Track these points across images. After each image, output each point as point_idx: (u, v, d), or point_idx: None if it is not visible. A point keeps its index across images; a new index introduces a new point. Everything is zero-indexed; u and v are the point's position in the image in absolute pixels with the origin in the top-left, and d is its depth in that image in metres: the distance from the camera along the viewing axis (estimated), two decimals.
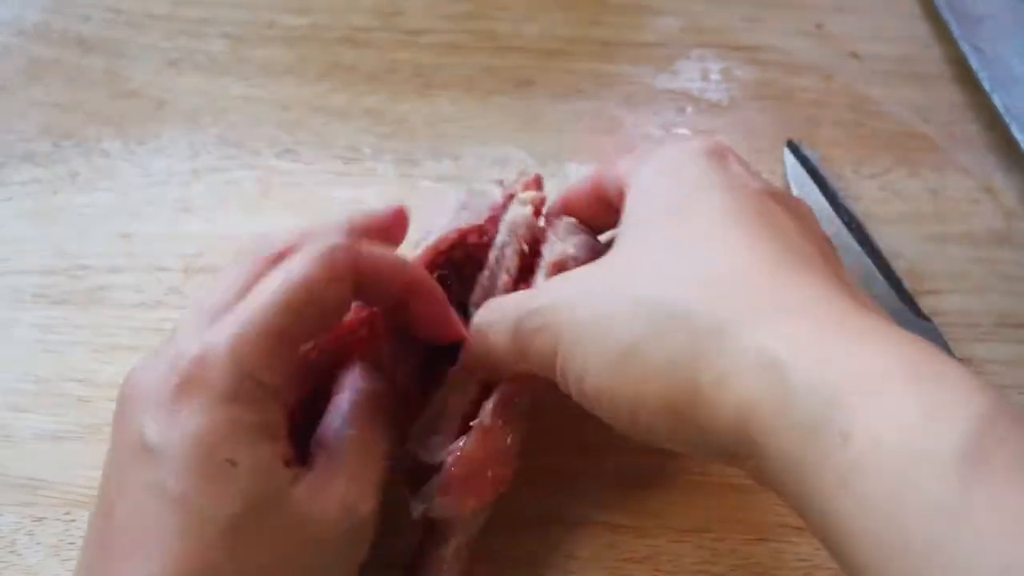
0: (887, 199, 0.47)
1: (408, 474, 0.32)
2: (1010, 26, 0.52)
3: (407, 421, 0.33)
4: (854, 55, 0.54)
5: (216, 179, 0.47)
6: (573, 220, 0.35)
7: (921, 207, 0.47)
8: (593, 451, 0.38)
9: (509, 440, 0.31)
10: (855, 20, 0.56)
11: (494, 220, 0.35)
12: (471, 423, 0.31)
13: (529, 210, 0.35)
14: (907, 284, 0.43)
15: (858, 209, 0.46)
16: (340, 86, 0.52)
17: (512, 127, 0.50)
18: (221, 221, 0.46)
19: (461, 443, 0.31)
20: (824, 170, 0.47)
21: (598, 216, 0.35)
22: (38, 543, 0.36)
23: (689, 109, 0.51)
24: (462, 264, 0.34)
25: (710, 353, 0.24)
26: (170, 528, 0.25)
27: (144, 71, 0.52)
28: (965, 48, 0.51)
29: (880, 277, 0.42)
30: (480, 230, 0.34)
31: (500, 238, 0.34)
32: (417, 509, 0.31)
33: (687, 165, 0.29)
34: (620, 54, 0.54)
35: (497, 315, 0.31)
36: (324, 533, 0.28)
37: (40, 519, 0.36)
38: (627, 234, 0.29)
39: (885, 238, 0.45)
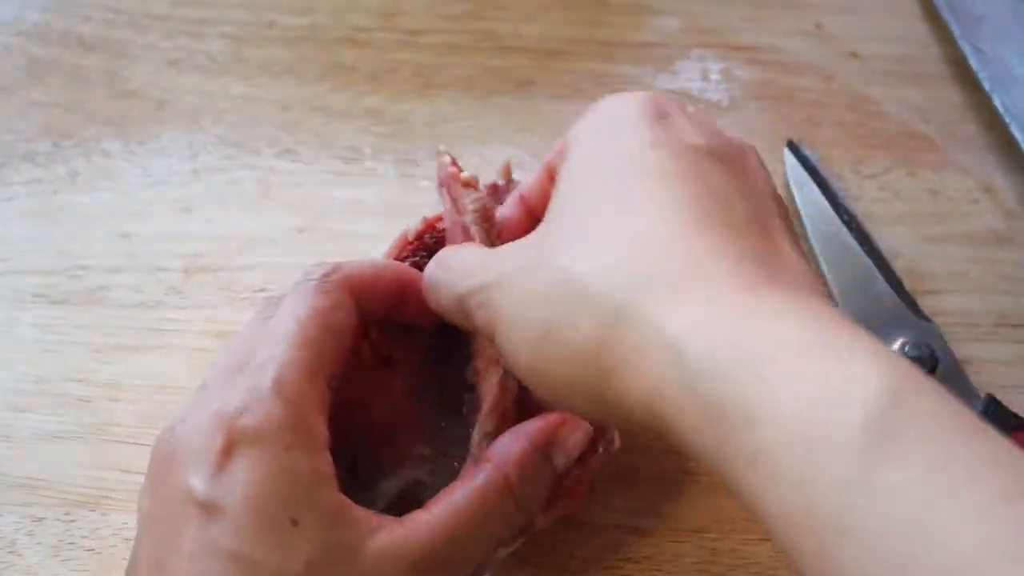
0: (887, 199, 0.47)
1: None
2: (1010, 26, 0.52)
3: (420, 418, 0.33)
4: (854, 55, 0.54)
5: (216, 179, 0.47)
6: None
7: (921, 207, 0.47)
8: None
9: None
10: (855, 20, 0.56)
11: (491, 189, 0.36)
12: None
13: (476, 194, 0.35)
14: (907, 284, 0.43)
15: (858, 209, 0.46)
16: (340, 86, 0.52)
17: (512, 127, 0.50)
18: (221, 221, 0.46)
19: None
20: (824, 170, 0.47)
21: None
22: (38, 543, 0.36)
23: (689, 109, 0.51)
24: (434, 249, 0.34)
25: (616, 336, 0.23)
26: None
27: (144, 71, 0.52)
28: (965, 48, 0.51)
29: (880, 277, 0.42)
30: (433, 223, 0.36)
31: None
32: None
33: (619, 124, 0.28)
34: (620, 54, 0.54)
35: (445, 278, 0.30)
36: None
37: (40, 519, 0.36)
38: (557, 201, 0.28)
39: (885, 238, 0.45)
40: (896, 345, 0.39)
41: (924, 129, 0.50)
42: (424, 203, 0.46)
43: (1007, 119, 0.47)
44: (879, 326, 0.39)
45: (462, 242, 0.33)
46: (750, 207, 0.26)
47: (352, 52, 0.53)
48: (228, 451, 0.26)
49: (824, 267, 0.43)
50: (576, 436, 0.31)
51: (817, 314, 0.21)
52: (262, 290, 0.43)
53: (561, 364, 0.25)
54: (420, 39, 0.54)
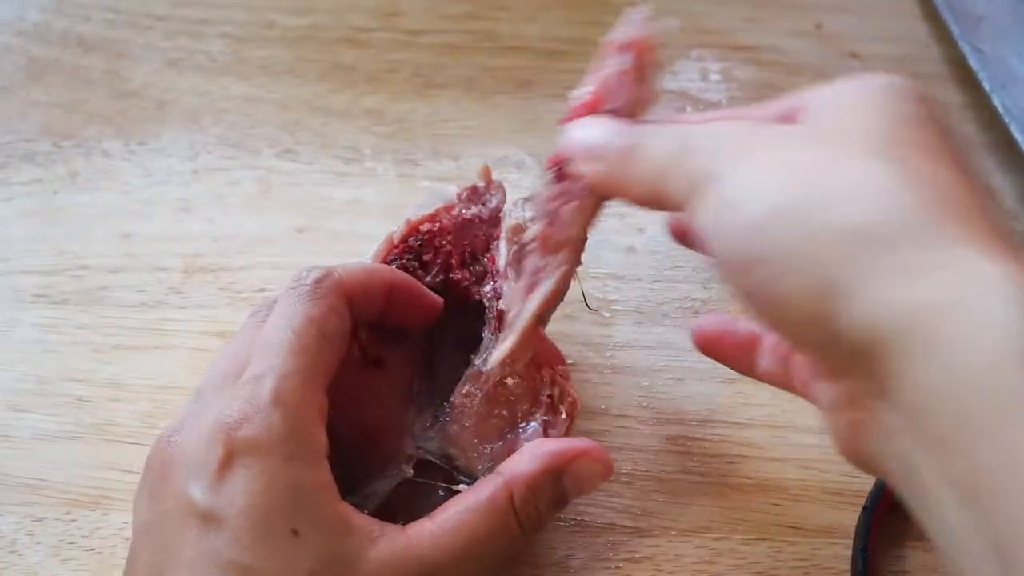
0: None
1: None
2: (1010, 26, 0.52)
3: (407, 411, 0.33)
4: (854, 55, 0.54)
5: (216, 179, 0.47)
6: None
7: None
8: None
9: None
10: (855, 20, 0.56)
11: (447, 208, 0.36)
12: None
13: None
14: None
15: None
16: (340, 86, 0.52)
17: (512, 127, 0.50)
18: (221, 221, 0.46)
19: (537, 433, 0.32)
20: None
21: None
22: (38, 543, 0.36)
23: (689, 109, 0.51)
24: (420, 250, 0.35)
25: (917, 245, 0.22)
26: None
27: (144, 71, 0.52)
28: (964, 48, 0.51)
29: None
30: (431, 218, 0.36)
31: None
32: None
33: (893, 99, 0.29)
34: None
35: (659, 134, 0.28)
36: None
37: (40, 519, 0.36)
38: (819, 122, 0.27)
39: None
40: None
41: None
42: (424, 203, 0.46)
43: (1007, 119, 0.48)
44: None
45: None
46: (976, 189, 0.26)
47: (352, 52, 0.53)
48: (228, 462, 0.26)
49: None
50: (595, 469, 0.31)
51: None
52: (262, 290, 0.43)
53: (808, 231, 0.23)
54: (420, 39, 0.54)
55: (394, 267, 0.34)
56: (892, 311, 0.22)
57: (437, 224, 0.36)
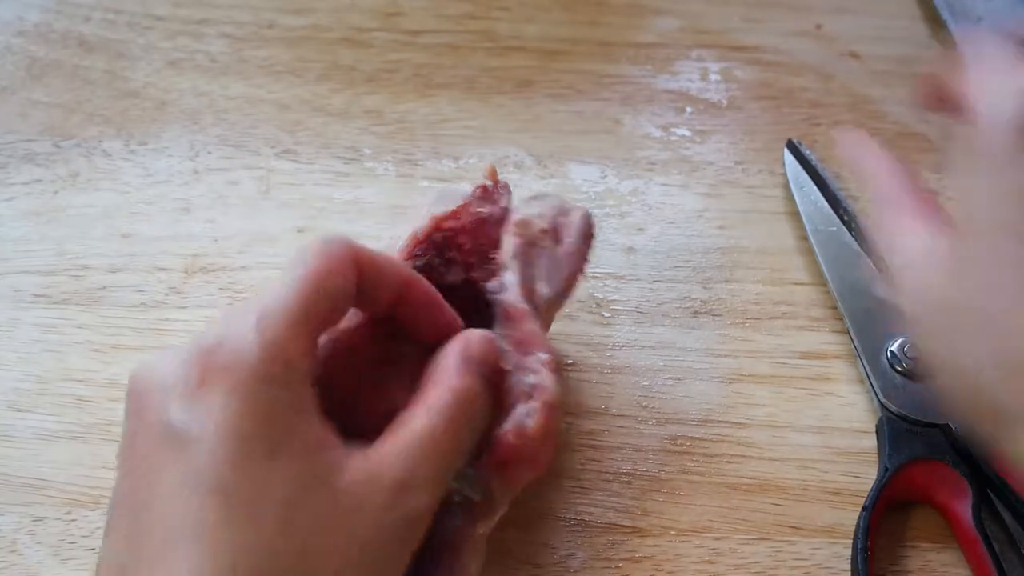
0: None
1: None
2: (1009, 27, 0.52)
3: None
4: (854, 55, 0.54)
5: (216, 179, 0.47)
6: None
7: None
8: (594, 451, 0.38)
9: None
10: (855, 20, 0.56)
11: (466, 206, 0.35)
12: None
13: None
14: None
15: (858, 209, 0.46)
16: (340, 86, 0.52)
17: (512, 127, 0.50)
18: (221, 221, 0.46)
19: (518, 416, 0.31)
20: (824, 170, 0.47)
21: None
22: (39, 543, 0.36)
23: (689, 109, 0.51)
24: (443, 248, 0.35)
25: None
26: (214, 520, 0.24)
27: (145, 71, 0.52)
28: None
29: (880, 277, 0.42)
30: (454, 215, 0.35)
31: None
32: (472, 487, 0.31)
33: None
34: (620, 54, 0.54)
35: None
36: (379, 518, 0.26)
37: (41, 519, 0.36)
38: None
39: None
40: (896, 345, 0.39)
41: (924, 129, 0.50)
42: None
43: None
44: (879, 326, 0.39)
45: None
46: None
47: (352, 52, 0.53)
48: (203, 381, 0.25)
49: (824, 267, 0.43)
50: (476, 336, 0.31)
51: None
52: None
53: None
54: (420, 39, 0.54)
55: (418, 263, 0.34)
56: None
57: (459, 222, 0.35)
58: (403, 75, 0.52)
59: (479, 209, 0.35)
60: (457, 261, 0.35)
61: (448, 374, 0.29)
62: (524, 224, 0.34)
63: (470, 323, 0.34)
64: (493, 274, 0.35)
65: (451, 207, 0.36)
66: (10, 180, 0.47)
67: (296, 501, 0.25)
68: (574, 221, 0.36)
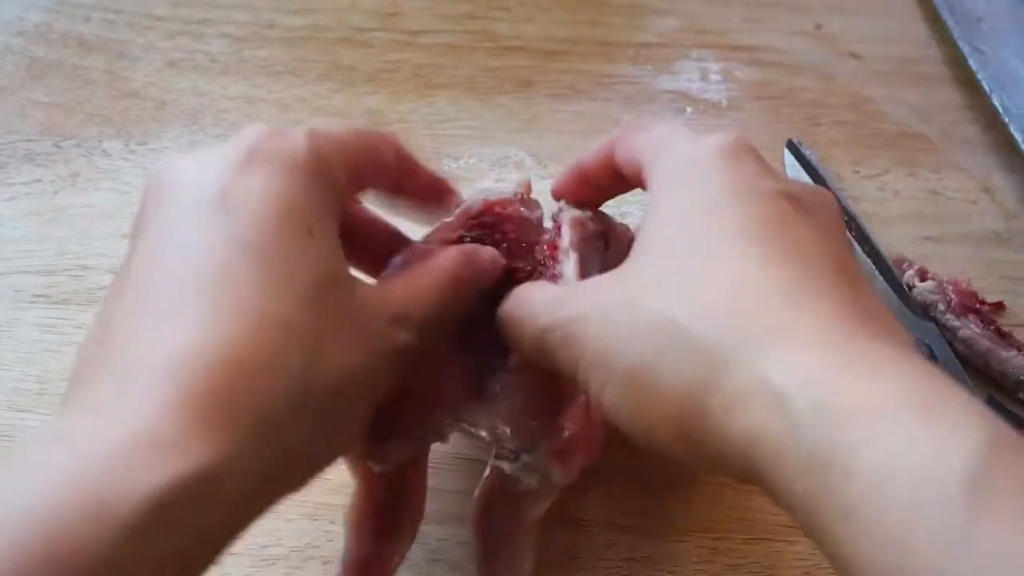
0: (886, 199, 0.47)
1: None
2: (1009, 27, 0.53)
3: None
4: (854, 55, 0.54)
5: None
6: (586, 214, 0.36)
7: (920, 207, 0.47)
8: None
9: None
10: (855, 20, 0.56)
11: (512, 202, 0.36)
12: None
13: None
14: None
15: (858, 209, 0.46)
16: (340, 86, 0.52)
17: (512, 127, 0.50)
18: None
19: (578, 405, 0.32)
20: (824, 170, 0.47)
21: (609, 187, 0.35)
22: None
23: (689, 109, 0.51)
24: (493, 226, 0.35)
25: (720, 380, 0.24)
26: (252, 281, 0.24)
27: (145, 71, 0.52)
28: (965, 49, 0.51)
29: (880, 277, 0.42)
30: (506, 202, 0.36)
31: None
32: (530, 475, 0.31)
33: (704, 170, 0.28)
34: (620, 54, 0.54)
35: (525, 313, 0.30)
36: (369, 337, 0.27)
37: None
38: (645, 243, 0.28)
39: (885, 238, 0.45)
40: None
41: (924, 129, 0.51)
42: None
43: (1006, 119, 0.48)
44: None
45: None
46: (832, 259, 0.26)
47: (352, 52, 0.53)
48: (248, 160, 0.26)
49: None
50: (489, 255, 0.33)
51: (914, 367, 0.22)
52: None
53: (653, 403, 0.25)
54: (420, 39, 0.54)
55: (469, 236, 0.35)
56: (739, 459, 0.23)
57: (509, 210, 0.36)
58: (403, 75, 0.52)
59: (522, 209, 0.36)
60: (501, 246, 0.35)
61: (452, 255, 0.32)
62: (581, 223, 0.35)
63: (490, 305, 0.35)
64: (535, 270, 0.35)
65: (512, 195, 0.37)
66: (10, 180, 0.47)
67: (322, 289, 0.25)
68: (623, 234, 0.37)
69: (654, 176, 0.30)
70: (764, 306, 0.24)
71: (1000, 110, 0.48)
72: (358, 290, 0.27)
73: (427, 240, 0.35)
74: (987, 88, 0.49)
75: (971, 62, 0.50)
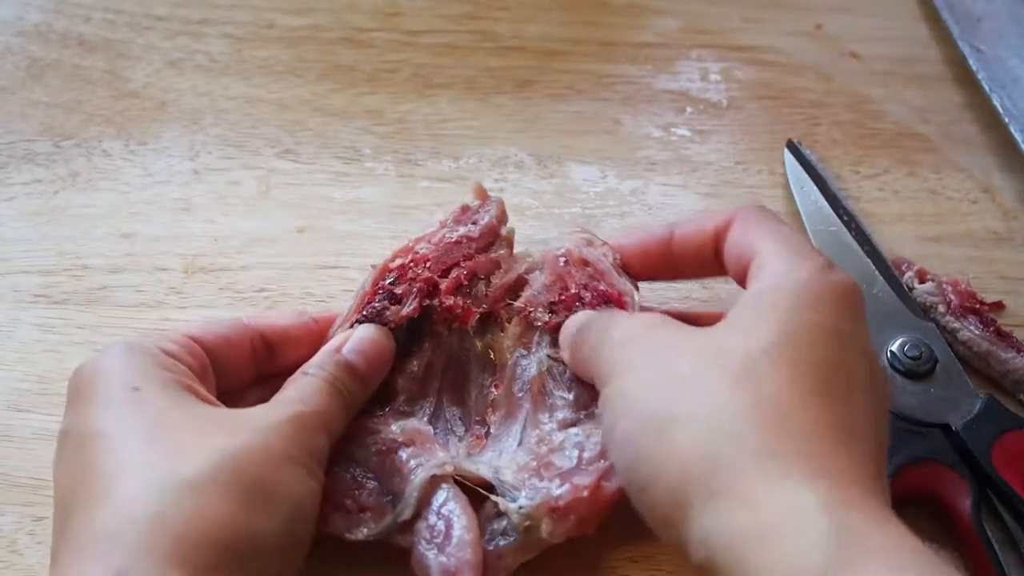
0: (886, 199, 0.47)
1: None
2: (1009, 27, 0.53)
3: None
4: (854, 55, 0.54)
5: (216, 179, 0.47)
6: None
7: (920, 207, 0.47)
8: None
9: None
10: (855, 20, 0.56)
11: (424, 239, 0.38)
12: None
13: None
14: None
15: (858, 209, 0.46)
16: (340, 86, 0.52)
17: (512, 127, 0.50)
18: (221, 221, 0.46)
19: (595, 470, 0.32)
20: (824, 170, 0.47)
21: (689, 270, 0.37)
22: (39, 542, 0.36)
23: (689, 109, 0.51)
24: (391, 288, 0.36)
25: (748, 474, 0.25)
26: (96, 461, 0.28)
27: (145, 71, 0.52)
28: (964, 49, 0.51)
29: (880, 277, 0.42)
30: (403, 252, 0.37)
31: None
32: (518, 521, 0.32)
33: (822, 302, 0.29)
34: (620, 54, 0.54)
35: (591, 332, 0.33)
36: (256, 422, 0.30)
37: (41, 519, 0.36)
38: (731, 322, 0.29)
39: (885, 238, 0.45)
40: (896, 345, 0.39)
41: (924, 129, 0.51)
42: (424, 203, 0.47)
43: (1006, 119, 0.48)
44: (879, 326, 0.39)
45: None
46: (878, 427, 0.28)
47: (352, 52, 0.53)
48: (76, 386, 0.31)
49: None
50: (364, 334, 0.35)
51: (910, 548, 0.24)
52: (262, 290, 0.43)
53: (669, 447, 0.26)
54: (420, 39, 0.54)
55: (367, 312, 0.36)
56: (721, 537, 0.24)
57: (410, 256, 0.37)
58: (403, 75, 0.52)
59: (448, 234, 0.37)
60: (409, 293, 0.36)
61: (309, 363, 0.34)
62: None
63: (464, 343, 0.37)
64: (483, 296, 0.37)
65: (413, 239, 0.38)
66: (10, 180, 0.47)
67: (157, 431, 0.29)
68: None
69: (767, 276, 0.30)
70: (802, 439, 0.26)
71: (1000, 110, 0.48)
72: (214, 407, 0.31)
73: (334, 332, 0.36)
74: (987, 88, 0.49)
75: (971, 62, 0.50)
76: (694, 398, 0.27)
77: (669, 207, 0.47)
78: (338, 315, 0.37)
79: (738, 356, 0.27)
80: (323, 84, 0.52)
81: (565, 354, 0.35)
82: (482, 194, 0.39)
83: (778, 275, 0.30)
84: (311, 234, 0.45)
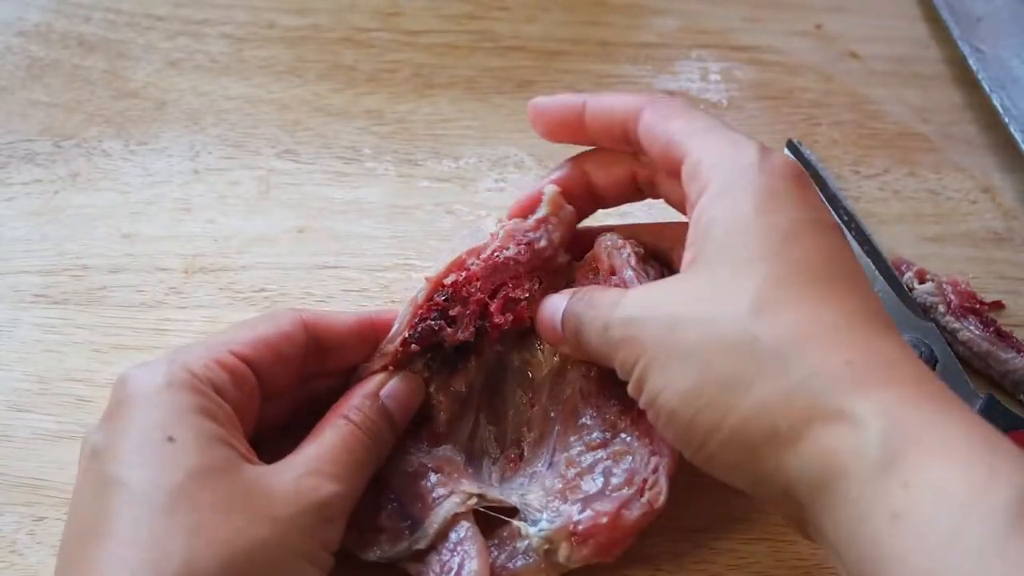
0: (887, 199, 0.47)
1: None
2: (1009, 26, 0.53)
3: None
4: (854, 55, 0.54)
5: (216, 179, 0.47)
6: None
7: (920, 207, 0.47)
8: None
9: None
10: (855, 20, 0.56)
11: (475, 252, 0.36)
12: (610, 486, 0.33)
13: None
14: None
15: (858, 209, 0.46)
16: (340, 86, 0.52)
17: (512, 127, 0.50)
18: (221, 221, 0.46)
19: (621, 499, 0.32)
20: (824, 170, 0.47)
21: (617, 189, 0.37)
22: (39, 542, 0.36)
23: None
24: (446, 305, 0.35)
25: (793, 406, 0.26)
26: (117, 511, 0.27)
27: (145, 71, 0.52)
28: (964, 48, 0.51)
29: (880, 277, 0.42)
30: (457, 266, 0.35)
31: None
32: (539, 543, 0.32)
33: (779, 195, 0.29)
34: (620, 54, 0.54)
35: (588, 310, 0.32)
36: (278, 509, 0.28)
37: (41, 519, 0.36)
38: (711, 253, 0.29)
39: (885, 238, 0.45)
40: None
41: (924, 129, 0.51)
42: (424, 203, 0.47)
43: (1006, 119, 0.48)
44: None
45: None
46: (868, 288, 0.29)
47: (352, 52, 0.53)
48: (117, 405, 0.29)
49: None
50: (402, 384, 0.34)
51: (970, 411, 0.26)
52: (262, 290, 0.43)
53: (723, 415, 0.27)
54: (420, 39, 0.54)
55: (421, 328, 0.34)
56: (797, 469, 0.26)
57: (464, 272, 0.35)
58: (403, 75, 0.52)
59: (498, 255, 0.35)
60: (464, 315, 0.35)
61: (348, 405, 0.33)
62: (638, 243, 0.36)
63: (507, 360, 0.37)
64: (523, 313, 0.35)
65: (466, 251, 0.36)
66: (10, 180, 0.47)
67: (186, 488, 0.27)
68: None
69: (711, 177, 0.30)
70: (840, 340, 0.26)
71: (1000, 110, 0.48)
72: (245, 471, 0.28)
73: (368, 365, 0.35)
74: (987, 88, 0.49)
75: (971, 62, 0.50)
76: (746, 343, 0.27)
77: (670, 207, 0.47)
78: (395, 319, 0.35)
79: (747, 300, 0.27)
80: (323, 84, 0.52)
81: (557, 341, 0.34)
82: (556, 206, 0.36)
83: (726, 182, 0.30)
84: (311, 234, 0.45)
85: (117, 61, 0.53)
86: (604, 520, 0.31)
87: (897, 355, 0.27)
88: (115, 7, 0.55)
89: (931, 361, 0.38)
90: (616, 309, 0.30)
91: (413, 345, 0.34)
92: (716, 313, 0.28)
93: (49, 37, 0.54)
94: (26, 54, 0.53)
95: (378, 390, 0.33)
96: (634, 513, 0.32)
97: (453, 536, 0.32)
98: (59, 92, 0.51)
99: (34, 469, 0.38)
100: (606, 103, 0.34)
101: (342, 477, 0.30)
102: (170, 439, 0.28)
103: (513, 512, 0.33)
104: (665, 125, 0.32)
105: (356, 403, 0.33)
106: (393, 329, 0.35)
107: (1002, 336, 0.41)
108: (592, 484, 0.33)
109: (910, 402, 0.25)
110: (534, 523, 0.32)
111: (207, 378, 0.30)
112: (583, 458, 0.34)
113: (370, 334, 0.35)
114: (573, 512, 0.32)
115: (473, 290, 0.35)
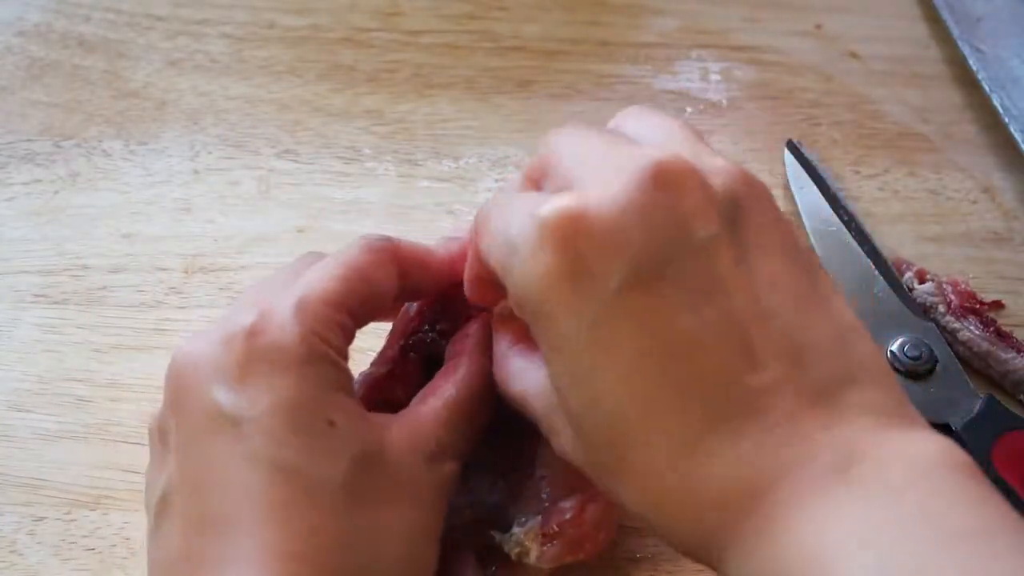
0: (886, 199, 0.47)
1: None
2: (1009, 27, 0.52)
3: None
4: (854, 55, 0.54)
5: (216, 179, 0.47)
6: None
7: (920, 207, 0.47)
8: None
9: None
10: (855, 20, 0.56)
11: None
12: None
13: None
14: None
15: (858, 209, 0.46)
16: (340, 86, 0.52)
17: (512, 127, 0.50)
18: (221, 221, 0.46)
19: (577, 500, 0.32)
20: (824, 170, 0.47)
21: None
22: (39, 543, 0.36)
23: (689, 109, 0.51)
24: (436, 318, 0.34)
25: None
26: (277, 498, 0.24)
27: (145, 71, 0.52)
28: (964, 48, 0.51)
29: (880, 277, 0.42)
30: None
31: None
32: (511, 543, 0.31)
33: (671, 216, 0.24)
34: (620, 54, 0.54)
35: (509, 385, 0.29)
36: (423, 494, 0.27)
37: (41, 519, 0.36)
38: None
39: (885, 238, 0.45)
40: (896, 345, 0.39)
41: (924, 129, 0.50)
42: (424, 203, 0.47)
43: (1006, 119, 0.48)
44: (879, 326, 0.39)
45: None
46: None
47: (352, 52, 0.53)
48: (247, 365, 0.26)
49: (824, 267, 0.43)
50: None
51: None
52: None
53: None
54: (420, 39, 0.54)
55: (411, 341, 0.33)
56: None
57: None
58: (403, 75, 0.52)
59: None
60: (454, 332, 0.33)
61: (468, 353, 0.31)
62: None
63: None
64: None
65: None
66: (10, 180, 0.47)
67: (353, 477, 0.25)
68: None
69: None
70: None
71: (1000, 110, 0.48)
72: (389, 453, 0.27)
73: (375, 364, 0.34)
74: (987, 88, 0.49)
75: (971, 62, 0.50)
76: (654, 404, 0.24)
77: None
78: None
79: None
80: (323, 84, 0.52)
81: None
82: None
83: None
84: (311, 234, 0.45)
85: (117, 61, 0.53)
86: (567, 516, 0.31)
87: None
88: (115, 7, 0.55)
89: (931, 361, 0.38)
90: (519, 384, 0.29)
91: (411, 354, 0.34)
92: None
93: (49, 37, 0.54)
94: (26, 54, 0.53)
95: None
96: (599, 506, 0.31)
97: None
98: (59, 92, 0.51)
99: (34, 469, 0.38)
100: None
101: (456, 448, 0.29)
102: (331, 423, 0.26)
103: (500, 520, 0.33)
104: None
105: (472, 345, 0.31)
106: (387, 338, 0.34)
107: (1002, 336, 0.40)
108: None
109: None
110: (505, 529, 0.32)
111: (339, 347, 0.27)
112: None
113: (451, 271, 0.32)
114: (541, 513, 0.32)
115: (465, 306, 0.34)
